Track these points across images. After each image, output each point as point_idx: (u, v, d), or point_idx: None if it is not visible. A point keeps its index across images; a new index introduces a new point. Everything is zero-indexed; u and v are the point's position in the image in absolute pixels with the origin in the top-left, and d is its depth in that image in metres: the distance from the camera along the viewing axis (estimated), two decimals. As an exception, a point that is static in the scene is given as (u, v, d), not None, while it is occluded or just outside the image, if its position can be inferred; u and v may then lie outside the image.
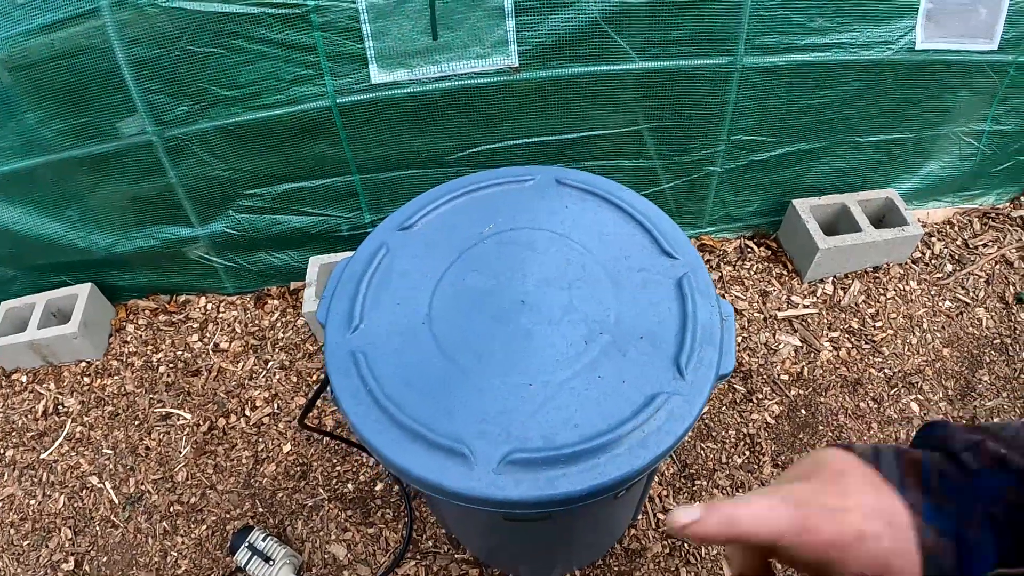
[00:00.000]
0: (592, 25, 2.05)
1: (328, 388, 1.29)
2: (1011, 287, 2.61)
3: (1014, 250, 2.72)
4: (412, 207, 1.51)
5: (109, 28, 1.93)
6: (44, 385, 2.53)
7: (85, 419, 2.43)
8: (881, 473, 0.55)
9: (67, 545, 2.15)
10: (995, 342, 2.46)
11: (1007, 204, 2.90)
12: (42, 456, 2.36)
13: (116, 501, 2.23)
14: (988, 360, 2.41)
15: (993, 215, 2.86)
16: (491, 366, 1.21)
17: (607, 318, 1.27)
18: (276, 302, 2.68)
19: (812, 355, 2.41)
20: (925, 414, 2.26)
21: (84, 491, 2.26)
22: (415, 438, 1.12)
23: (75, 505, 2.23)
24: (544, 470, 1.07)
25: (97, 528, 2.18)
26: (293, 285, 2.68)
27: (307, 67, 2.05)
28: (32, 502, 2.26)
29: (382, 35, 2.02)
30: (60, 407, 2.47)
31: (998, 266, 2.68)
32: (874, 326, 2.49)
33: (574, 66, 2.14)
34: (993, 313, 2.54)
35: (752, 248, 2.74)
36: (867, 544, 0.51)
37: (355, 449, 2.23)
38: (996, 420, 2.24)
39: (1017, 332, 2.48)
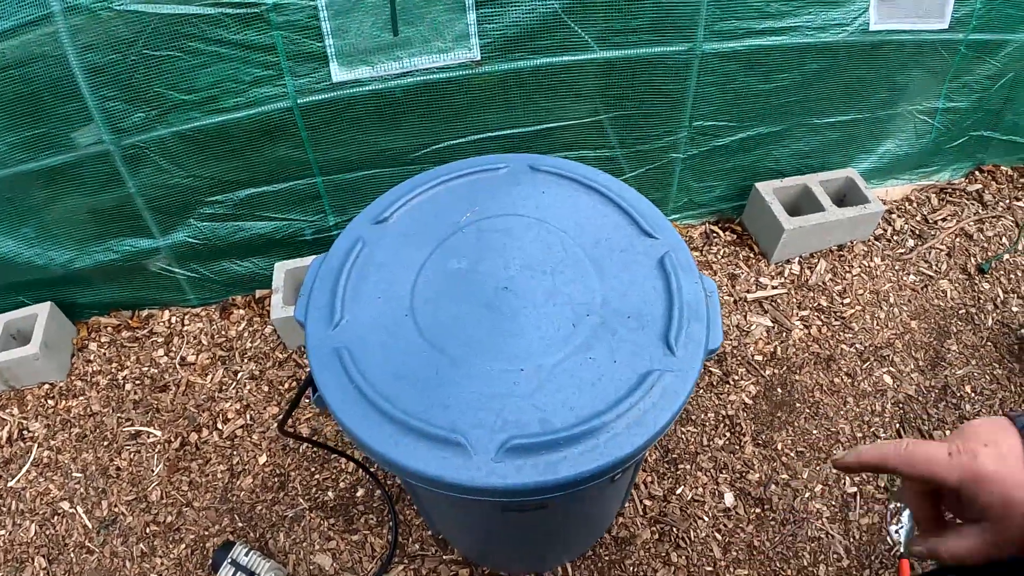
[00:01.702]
0: (552, 16, 2.05)
1: (309, 391, 1.27)
2: (972, 258, 2.67)
3: (972, 223, 2.79)
4: (386, 200, 1.49)
5: (62, 34, 1.86)
6: (7, 410, 2.44)
7: (52, 443, 2.35)
8: (1016, 424, 0.65)
9: (42, 574, 2.07)
10: (960, 312, 2.51)
11: (962, 179, 2.97)
12: (9, 484, 2.27)
13: (90, 526, 2.16)
14: (955, 330, 2.46)
15: (950, 190, 2.92)
16: (480, 353, 1.20)
17: (593, 300, 1.27)
18: (242, 311, 2.62)
19: (784, 334, 2.43)
20: (898, 386, 2.30)
21: (56, 517, 2.18)
22: (408, 431, 1.10)
23: (47, 532, 2.16)
24: (544, 455, 1.06)
25: (72, 555, 2.11)
26: (259, 293, 2.63)
27: (266, 68, 2.02)
28: (2, 532, 2.17)
29: (342, 32, 1.99)
30: (25, 432, 2.39)
31: (958, 239, 2.74)
32: (842, 303, 2.52)
33: (535, 58, 2.13)
34: (956, 284, 2.59)
35: (717, 233, 2.76)
36: (962, 459, 0.62)
37: (334, 455, 2.19)
38: (968, 388, 2.29)
39: (981, 301, 2.54)
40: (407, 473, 1.08)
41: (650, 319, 1.24)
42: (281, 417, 1.53)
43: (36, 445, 2.35)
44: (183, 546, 2.09)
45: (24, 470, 2.30)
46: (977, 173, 2.97)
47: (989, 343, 2.42)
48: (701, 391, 2.29)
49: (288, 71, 2.03)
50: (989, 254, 2.69)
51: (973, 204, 2.86)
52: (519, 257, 1.35)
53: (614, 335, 1.22)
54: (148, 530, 2.12)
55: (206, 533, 2.10)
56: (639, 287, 1.29)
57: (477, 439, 1.08)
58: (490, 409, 1.12)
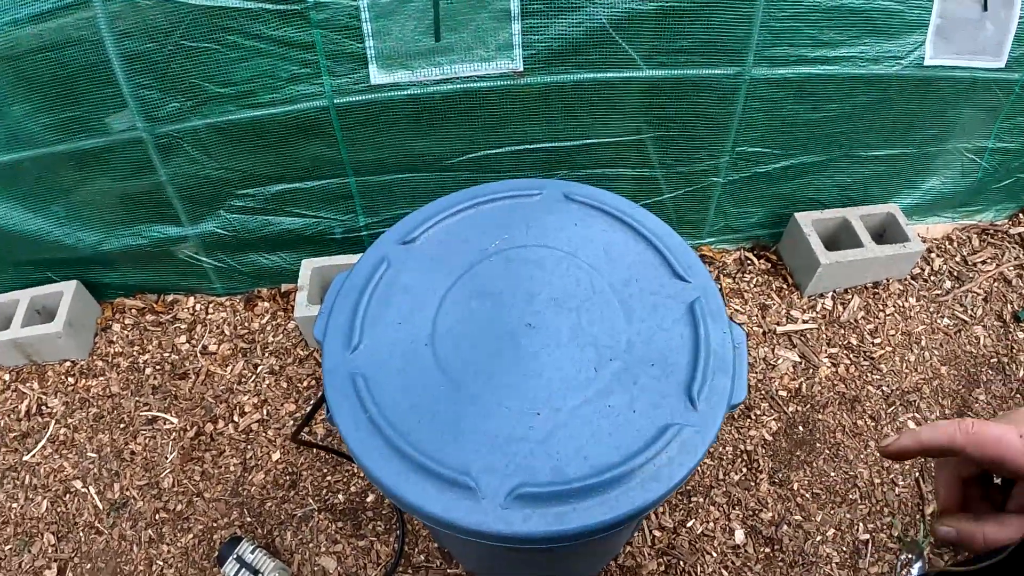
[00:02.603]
0: (599, 31, 2.01)
1: (325, 407, 1.25)
2: (1009, 305, 2.60)
3: (1012, 268, 2.71)
4: (414, 220, 1.46)
5: (100, 20, 1.86)
6: (27, 384, 2.46)
7: (69, 421, 2.36)
8: None
9: (50, 551, 2.09)
10: (992, 361, 2.45)
11: (1006, 221, 2.88)
12: (24, 458, 2.29)
13: (100, 507, 2.17)
14: (985, 379, 2.39)
15: (992, 232, 2.84)
16: (497, 392, 1.17)
17: (617, 343, 1.24)
18: (267, 304, 2.62)
19: (811, 371, 2.38)
20: (923, 433, 2.24)
21: (68, 495, 2.20)
22: (418, 469, 1.08)
23: (58, 510, 2.18)
24: (554, 505, 1.04)
25: (81, 534, 2.12)
26: (284, 287, 2.62)
27: (304, 65, 2.00)
28: (14, 505, 2.19)
29: (383, 35, 1.96)
30: (44, 407, 2.41)
31: (996, 284, 2.67)
32: (873, 343, 2.46)
33: (579, 72, 2.09)
34: (991, 331, 2.53)
35: (752, 260, 2.71)
36: None
37: (347, 460, 2.18)
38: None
39: (1014, 351, 2.47)
40: (413, 510, 1.07)
41: (674, 368, 1.21)
42: (295, 428, 1.52)
43: (53, 421, 2.37)
44: (191, 536, 2.10)
45: (40, 445, 2.32)
46: (1021, 215, 2.88)
47: (1019, 395, 2.35)
48: (721, 423, 2.25)
49: (326, 70, 2.00)
50: (1027, 302, 2.62)
51: (1015, 248, 2.78)
52: (546, 292, 1.32)
53: (636, 383, 1.19)
54: (157, 516, 2.13)
55: (214, 525, 2.11)
56: (666, 333, 1.26)
57: (487, 483, 1.06)
58: (503, 452, 1.10)
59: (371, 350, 1.24)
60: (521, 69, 2.06)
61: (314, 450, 2.23)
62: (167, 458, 2.25)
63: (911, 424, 2.26)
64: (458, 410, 1.15)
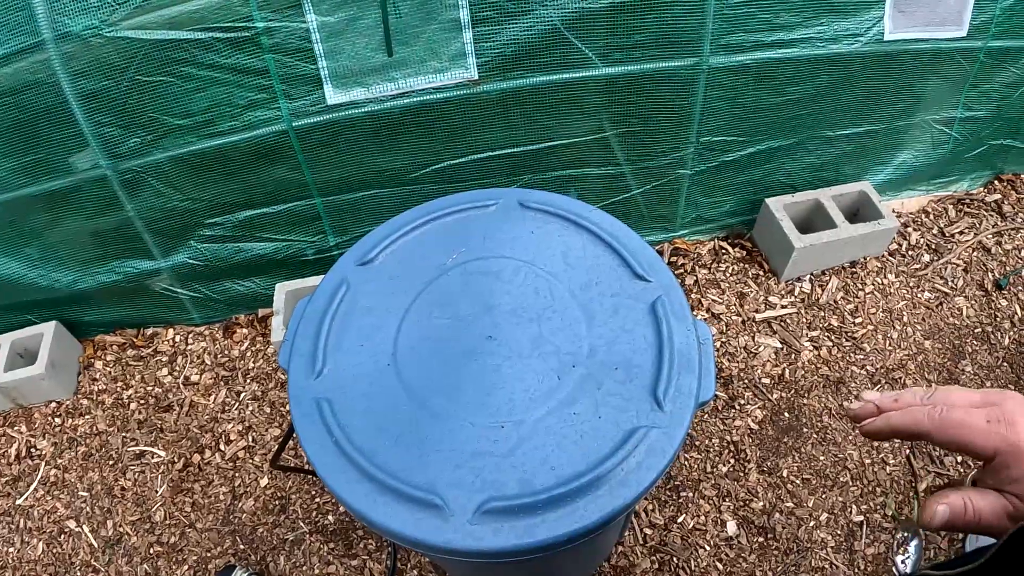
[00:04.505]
0: (552, 32, 2.01)
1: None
2: (990, 273, 2.60)
3: (990, 235, 2.70)
4: (371, 240, 1.46)
5: (54, 62, 1.86)
6: (15, 428, 2.46)
7: (59, 461, 2.36)
8: None
9: (47, 594, 2.10)
10: (976, 331, 2.44)
11: (981, 189, 2.88)
12: (18, 502, 2.29)
13: (95, 545, 2.17)
14: (970, 350, 2.39)
15: (968, 201, 2.83)
16: (461, 408, 1.17)
17: (580, 349, 1.23)
18: (245, 330, 2.61)
19: (793, 356, 2.38)
20: (910, 409, 2.24)
21: (62, 536, 2.20)
22: (386, 490, 1.07)
23: (54, 551, 2.17)
24: (522, 518, 1.03)
25: (78, 574, 2.12)
26: (261, 312, 2.62)
27: (260, 91, 1.99)
28: (11, 550, 2.19)
29: (335, 54, 1.96)
30: (32, 450, 2.40)
31: (975, 253, 2.66)
32: (854, 322, 2.46)
33: (535, 75, 2.09)
34: (973, 301, 2.52)
35: (727, 249, 2.70)
36: (1000, 428, 0.61)
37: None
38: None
39: (998, 319, 2.46)
40: (384, 531, 1.06)
41: (638, 370, 1.20)
42: (272, 455, 1.52)
43: (43, 463, 2.37)
44: (186, 567, 2.10)
45: (32, 488, 2.32)
46: (996, 183, 2.88)
47: (1005, 363, 2.35)
48: (706, 416, 2.25)
49: (282, 94, 2.00)
50: (1007, 268, 2.60)
51: (992, 216, 2.78)
52: (505, 303, 1.31)
53: (600, 388, 1.18)
54: (152, 551, 2.13)
55: (208, 555, 2.11)
56: (628, 335, 1.25)
57: (455, 500, 1.06)
58: (469, 468, 1.09)
59: (335, 374, 1.24)
60: (476, 77, 2.06)
61: (299, 473, 2.22)
62: (157, 491, 2.25)
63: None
64: (423, 429, 1.15)
